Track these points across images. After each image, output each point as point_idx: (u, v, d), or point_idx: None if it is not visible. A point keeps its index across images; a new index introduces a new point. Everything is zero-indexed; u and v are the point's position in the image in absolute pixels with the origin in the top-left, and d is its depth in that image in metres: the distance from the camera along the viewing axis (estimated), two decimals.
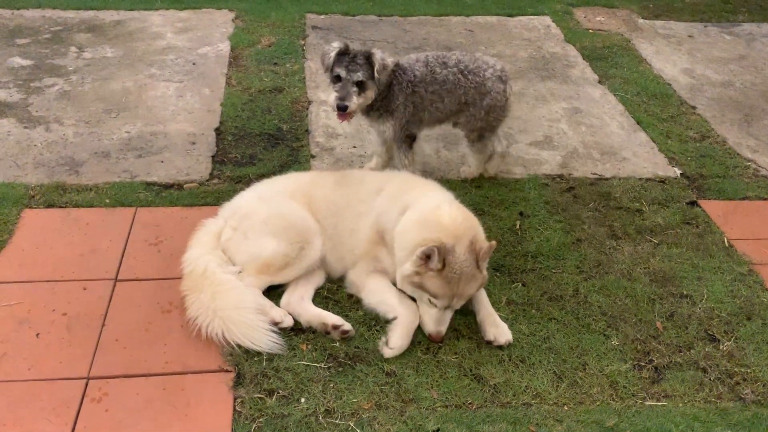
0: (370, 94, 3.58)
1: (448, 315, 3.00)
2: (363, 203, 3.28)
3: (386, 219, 3.17)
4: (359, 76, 3.50)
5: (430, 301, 2.95)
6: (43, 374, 2.78)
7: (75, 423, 2.61)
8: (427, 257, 2.86)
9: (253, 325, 2.91)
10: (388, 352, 2.93)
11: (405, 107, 3.71)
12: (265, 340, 2.90)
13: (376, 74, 3.50)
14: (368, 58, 3.51)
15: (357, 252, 3.23)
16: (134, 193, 3.83)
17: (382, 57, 3.53)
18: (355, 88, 3.52)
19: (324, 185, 3.41)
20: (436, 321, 2.96)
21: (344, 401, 2.74)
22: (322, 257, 3.24)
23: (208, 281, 3.02)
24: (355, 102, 3.52)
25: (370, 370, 2.87)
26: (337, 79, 3.55)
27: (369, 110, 3.73)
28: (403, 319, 2.99)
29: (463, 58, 3.82)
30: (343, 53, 3.51)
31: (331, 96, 3.57)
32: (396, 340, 2.94)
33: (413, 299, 3.06)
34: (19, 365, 2.81)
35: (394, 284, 3.11)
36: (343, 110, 3.54)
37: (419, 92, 3.72)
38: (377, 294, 3.12)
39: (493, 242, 2.96)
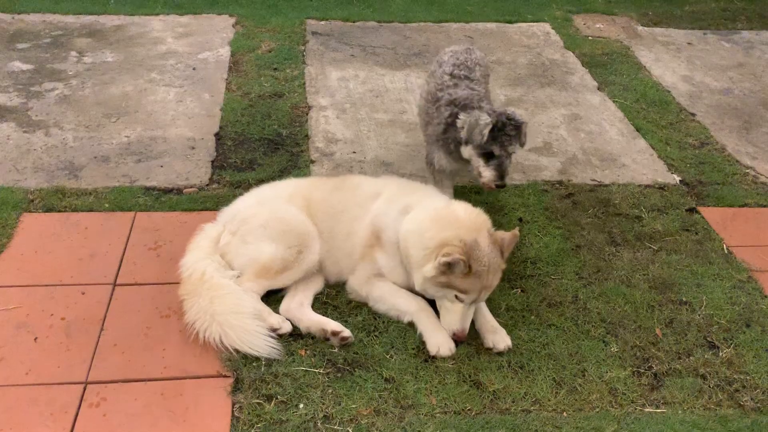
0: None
1: (472, 311, 2.99)
2: (360, 207, 3.28)
3: (384, 219, 3.17)
4: (514, 149, 3.41)
5: (456, 297, 2.93)
6: (41, 379, 2.77)
7: (73, 428, 2.60)
8: (448, 265, 2.85)
9: (250, 330, 2.91)
10: (441, 354, 2.93)
11: None
12: (263, 345, 2.89)
13: (521, 143, 3.45)
14: (517, 128, 3.38)
15: (354, 257, 3.23)
16: (133, 197, 3.83)
17: (526, 123, 3.45)
18: (509, 161, 3.43)
19: (322, 189, 3.41)
20: (461, 318, 2.94)
21: (343, 407, 2.73)
22: (321, 261, 3.24)
23: (206, 286, 3.02)
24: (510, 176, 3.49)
25: (369, 375, 2.87)
26: (490, 155, 3.39)
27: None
28: (423, 320, 3.01)
29: None
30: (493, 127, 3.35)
31: (486, 172, 3.40)
32: (431, 341, 2.95)
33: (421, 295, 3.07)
34: (17, 369, 2.80)
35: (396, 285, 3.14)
36: (502, 188, 3.48)
37: None
38: (384, 302, 3.12)
39: (516, 231, 2.98)
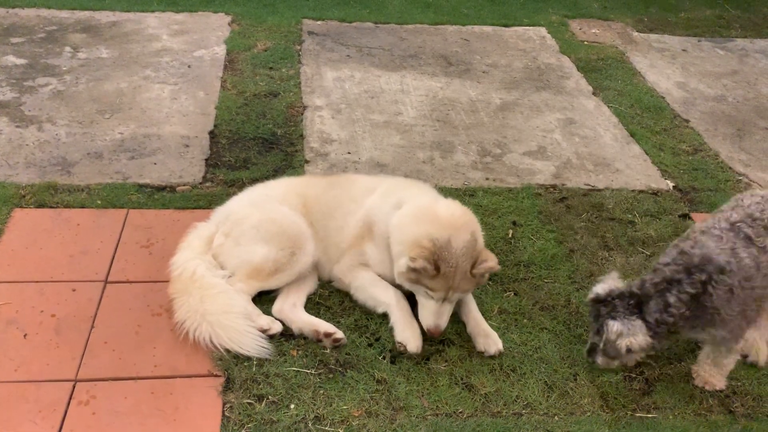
0: None
1: (447, 309, 2.96)
2: (354, 202, 3.28)
3: (377, 212, 3.17)
4: None
5: (427, 293, 2.94)
6: (30, 376, 2.75)
7: (61, 426, 2.58)
8: (414, 270, 2.87)
9: (241, 329, 2.90)
10: (408, 350, 2.91)
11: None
12: (253, 345, 2.88)
13: None
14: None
15: (343, 246, 3.22)
16: (126, 194, 3.81)
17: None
18: None
19: (317, 187, 3.42)
20: (434, 314, 2.93)
21: (334, 408, 2.72)
22: (315, 261, 3.23)
23: (196, 285, 3.01)
24: None
25: (360, 377, 2.86)
26: None
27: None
28: (395, 313, 3.01)
29: None
30: None
31: None
32: (400, 334, 2.95)
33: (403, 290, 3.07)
34: (5, 366, 2.78)
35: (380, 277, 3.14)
36: None
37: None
38: (365, 291, 3.13)
39: (495, 265, 2.93)
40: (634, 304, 2.71)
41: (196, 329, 2.90)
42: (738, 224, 2.74)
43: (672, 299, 2.65)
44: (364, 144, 4.48)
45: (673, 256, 2.74)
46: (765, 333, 2.98)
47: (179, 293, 3.01)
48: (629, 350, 2.69)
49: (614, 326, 2.68)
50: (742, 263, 2.65)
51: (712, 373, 2.90)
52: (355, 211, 3.24)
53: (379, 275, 3.15)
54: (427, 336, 2.98)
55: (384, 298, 3.08)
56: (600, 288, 2.78)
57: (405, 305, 3.06)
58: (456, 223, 2.97)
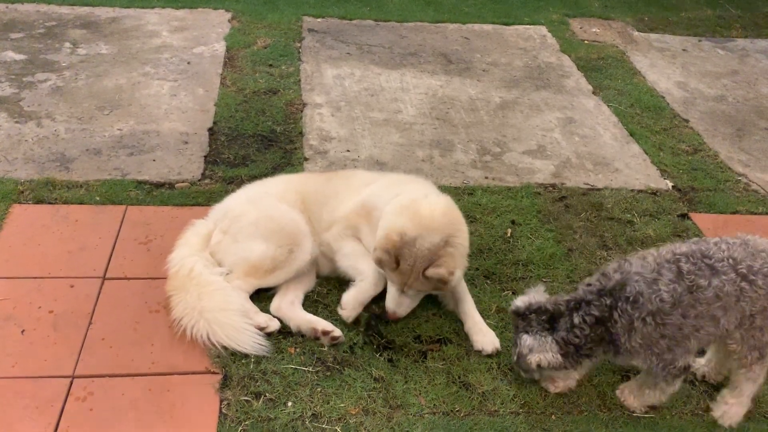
0: None
1: (406, 300, 3.02)
2: (351, 189, 3.30)
3: (377, 199, 3.18)
4: None
5: (390, 279, 3.00)
6: (28, 372, 2.75)
7: (58, 422, 2.58)
8: (378, 260, 2.93)
9: (238, 326, 2.90)
10: (343, 314, 3.05)
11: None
12: (251, 342, 2.88)
13: None
14: None
15: (336, 215, 3.23)
16: (125, 191, 3.81)
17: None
18: None
19: (316, 182, 3.43)
20: (394, 301, 3.01)
21: (331, 406, 2.72)
22: (313, 259, 3.22)
23: (194, 282, 3.00)
24: None
25: (358, 375, 2.86)
26: None
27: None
28: (362, 285, 3.07)
29: (736, 253, 2.63)
30: None
31: None
32: (346, 297, 3.05)
33: None
34: (2, 362, 2.78)
35: None
36: None
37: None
38: (350, 258, 3.16)
39: (444, 274, 2.89)
40: (547, 320, 2.66)
41: (194, 326, 2.90)
42: (679, 257, 2.60)
43: (577, 320, 2.60)
44: (363, 142, 4.48)
45: (597, 277, 2.69)
46: (749, 387, 2.78)
47: (177, 290, 3.01)
48: (539, 366, 2.65)
49: (527, 341, 2.65)
50: (655, 296, 2.53)
51: (632, 393, 2.82)
52: (351, 197, 3.25)
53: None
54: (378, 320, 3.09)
55: (364, 269, 3.11)
56: (520, 301, 2.74)
57: (378, 283, 3.09)
58: (431, 224, 2.95)
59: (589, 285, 2.67)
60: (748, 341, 2.64)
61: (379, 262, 2.95)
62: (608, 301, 2.59)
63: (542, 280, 3.45)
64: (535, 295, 2.72)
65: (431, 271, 2.90)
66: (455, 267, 2.96)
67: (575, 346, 2.61)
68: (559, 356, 2.62)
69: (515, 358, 2.75)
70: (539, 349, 2.62)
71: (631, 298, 2.56)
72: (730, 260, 2.58)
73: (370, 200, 3.19)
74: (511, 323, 2.86)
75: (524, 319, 2.68)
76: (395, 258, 2.89)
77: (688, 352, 2.63)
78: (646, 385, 2.75)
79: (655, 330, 2.56)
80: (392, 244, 2.89)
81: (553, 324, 2.65)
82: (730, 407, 2.79)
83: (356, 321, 3.08)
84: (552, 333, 2.64)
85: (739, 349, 2.68)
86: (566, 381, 2.85)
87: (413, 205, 3.04)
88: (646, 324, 2.55)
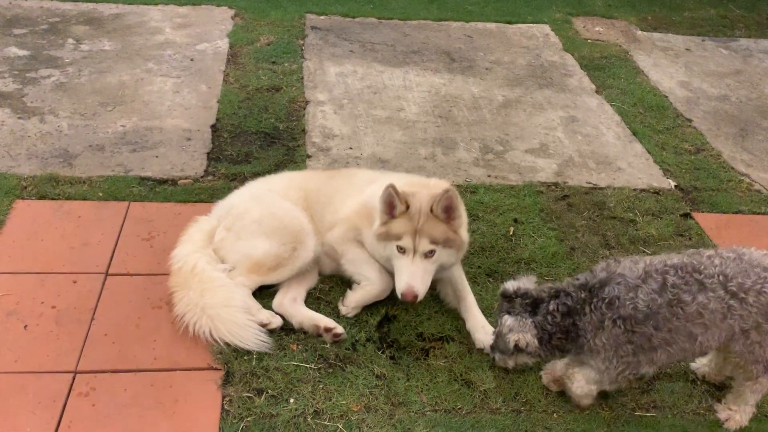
0: None
1: (420, 268, 2.91)
2: (353, 188, 3.29)
3: (378, 198, 3.16)
4: None
5: (399, 248, 2.92)
6: (30, 367, 2.76)
7: (61, 417, 2.58)
8: (389, 204, 2.91)
9: (240, 323, 2.90)
10: (343, 309, 3.08)
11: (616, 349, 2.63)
12: (253, 339, 2.88)
13: None
14: None
15: (338, 215, 3.22)
16: (128, 187, 3.81)
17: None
18: None
19: (318, 180, 3.42)
20: (407, 273, 2.90)
21: (333, 403, 2.72)
22: (316, 257, 3.23)
23: (196, 278, 3.01)
24: None
25: (360, 372, 2.86)
26: None
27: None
28: (369, 288, 3.08)
29: (728, 269, 2.58)
30: None
31: None
32: (351, 299, 3.07)
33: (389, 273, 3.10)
34: (5, 357, 2.78)
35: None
36: None
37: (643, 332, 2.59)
38: (355, 264, 3.16)
39: (451, 195, 2.90)
40: (530, 304, 2.68)
41: (196, 322, 2.90)
42: (668, 269, 2.58)
43: (552, 307, 2.61)
44: (366, 139, 4.48)
45: (586, 273, 2.70)
46: (754, 398, 2.77)
47: (179, 286, 3.01)
48: (517, 347, 2.64)
49: (507, 321, 2.66)
50: (630, 303, 2.52)
51: (568, 380, 2.78)
52: (353, 195, 3.25)
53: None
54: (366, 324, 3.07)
55: (370, 275, 3.11)
56: (509, 284, 2.75)
57: (385, 289, 3.10)
58: (428, 183, 3.09)
59: (576, 279, 2.69)
60: (748, 356, 2.63)
61: (388, 204, 2.91)
62: (583, 295, 2.59)
63: (544, 278, 3.45)
64: (524, 282, 2.74)
65: (438, 203, 2.88)
66: (460, 215, 2.98)
67: (549, 334, 2.62)
68: (535, 340, 2.62)
69: (494, 338, 2.75)
70: (519, 329, 2.62)
71: (606, 299, 2.55)
72: (721, 277, 2.54)
73: (371, 200, 3.18)
74: (497, 306, 2.84)
75: (509, 301, 2.70)
76: (405, 202, 2.90)
77: (652, 363, 2.62)
78: (587, 377, 2.70)
79: (623, 334, 2.55)
80: (396, 189, 2.89)
81: (535, 309, 2.66)
82: (734, 413, 2.80)
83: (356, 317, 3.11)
84: (532, 316, 2.65)
85: (742, 363, 2.68)
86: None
87: (407, 178, 3.14)
88: (616, 326, 2.54)
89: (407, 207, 2.91)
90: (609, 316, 2.54)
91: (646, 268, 2.60)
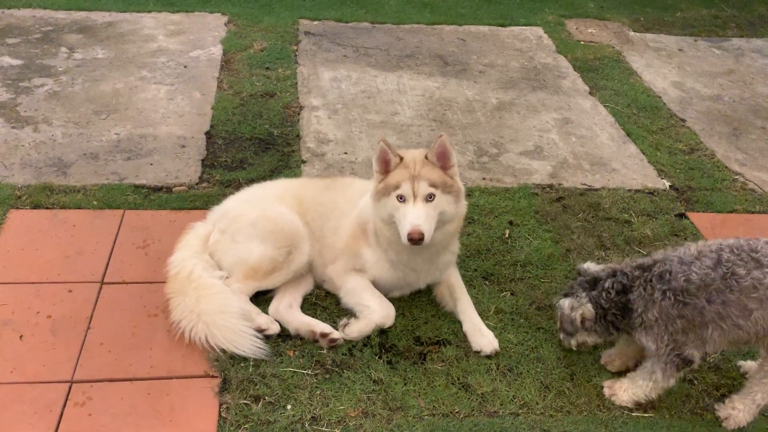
0: None
1: (421, 209, 2.84)
2: (349, 203, 3.28)
3: (368, 211, 3.15)
4: None
5: (398, 198, 2.87)
6: (26, 377, 2.75)
7: (57, 427, 2.57)
8: (384, 161, 2.92)
9: (237, 329, 2.89)
10: (339, 334, 2.99)
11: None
12: (249, 345, 2.88)
13: None
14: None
15: (338, 246, 3.21)
16: (122, 195, 3.81)
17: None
18: None
19: (313, 188, 3.41)
20: (409, 215, 2.83)
21: (331, 408, 2.72)
22: (310, 261, 3.22)
23: (193, 285, 3.00)
24: None
25: (357, 377, 2.86)
26: None
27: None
28: (371, 317, 3.03)
29: None
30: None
31: None
32: (354, 329, 3.00)
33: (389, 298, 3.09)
34: (1, 367, 2.78)
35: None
36: None
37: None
38: (355, 295, 3.12)
39: (444, 138, 2.91)
40: (588, 282, 2.80)
41: (192, 329, 2.89)
42: (723, 248, 2.63)
43: (608, 284, 2.72)
44: (360, 144, 4.48)
45: (644, 257, 2.85)
46: (764, 399, 2.76)
47: (176, 293, 3.01)
48: (583, 320, 2.74)
49: (566, 303, 2.79)
50: (682, 275, 2.57)
51: (623, 386, 2.84)
52: (349, 213, 3.24)
53: (375, 279, 3.14)
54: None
55: (370, 303, 3.08)
56: (586, 264, 2.91)
57: (387, 314, 3.07)
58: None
59: (634, 261, 2.79)
60: None
61: (383, 160, 2.92)
62: (637, 273, 2.69)
63: (540, 280, 3.45)
64: (590, 264, 2.89)
65: (432, 149, 2.90)
66: (454, 163, 2.98)
67: (603, 309, 2.71)
68: (594, 311, 2.72)
69: (558, 324, 2.85)
70: (578, 305, 2.74)
71: (658, 273, 2.64)
72: None
73: (362, 216, 3.17)
74: (566, 284, 2.96)
75: (575, 278, 2.85)
76: (396, 153, 2.91)
77: (702, 342, 2.63)
78: (641, 376, 2.78)
79: (674, 307, 2.60)
80: (387, 142, 2.91)
81: (593, 287, 2.77)
82: (738, 413, 2.79)
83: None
84: (588, 293, 2.76)
85: None
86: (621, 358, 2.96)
87: None
88: (666, 298, 2.60)
89: (401, 159, 2.92)
90: (659, 288, 2.62)
91: (700, 248, 2.69)
